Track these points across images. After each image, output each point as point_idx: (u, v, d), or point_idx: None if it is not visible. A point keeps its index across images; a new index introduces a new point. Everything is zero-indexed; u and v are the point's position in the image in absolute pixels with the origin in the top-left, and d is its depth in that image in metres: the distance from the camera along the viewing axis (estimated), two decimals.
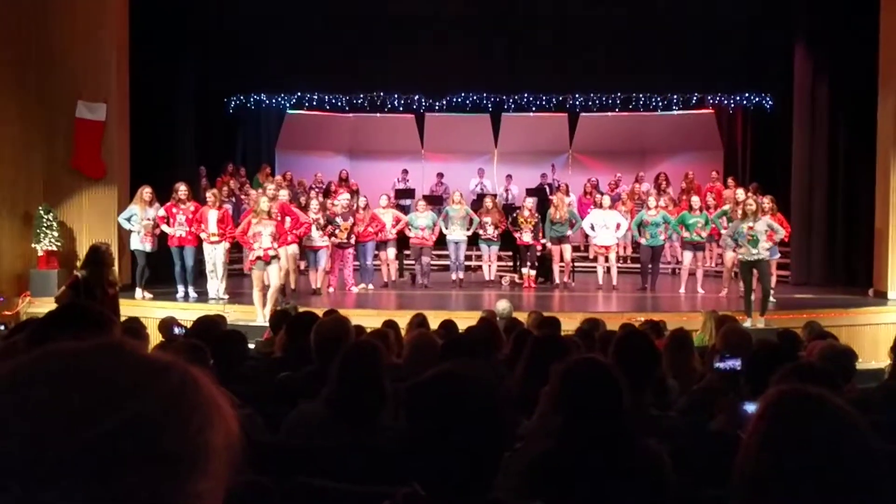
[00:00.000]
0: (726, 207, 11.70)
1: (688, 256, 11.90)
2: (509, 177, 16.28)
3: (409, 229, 12.14)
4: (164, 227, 10.52)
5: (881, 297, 10.98)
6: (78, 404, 0.65)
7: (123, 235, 10.90)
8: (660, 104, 16.26)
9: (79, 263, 9.97)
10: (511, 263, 13.64)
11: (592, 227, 12.25)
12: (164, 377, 0.70)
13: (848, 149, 12.35)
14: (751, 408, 2.59)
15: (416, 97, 16.01)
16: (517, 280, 12.71)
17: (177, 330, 5.87)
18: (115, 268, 10.84)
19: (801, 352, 5.15)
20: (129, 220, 10.48)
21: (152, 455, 0.65)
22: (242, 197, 13.62)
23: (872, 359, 8.82)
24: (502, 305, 7.41)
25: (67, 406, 0.65)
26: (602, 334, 5.63)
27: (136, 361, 0.70)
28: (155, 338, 6.21)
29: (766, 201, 10.79)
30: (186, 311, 9.01)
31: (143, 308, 9.71)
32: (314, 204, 11.57)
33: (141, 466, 0.64)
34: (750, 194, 10.88)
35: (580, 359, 2.38)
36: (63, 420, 0.64)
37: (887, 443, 2.77)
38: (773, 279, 10.77)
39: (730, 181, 13.83)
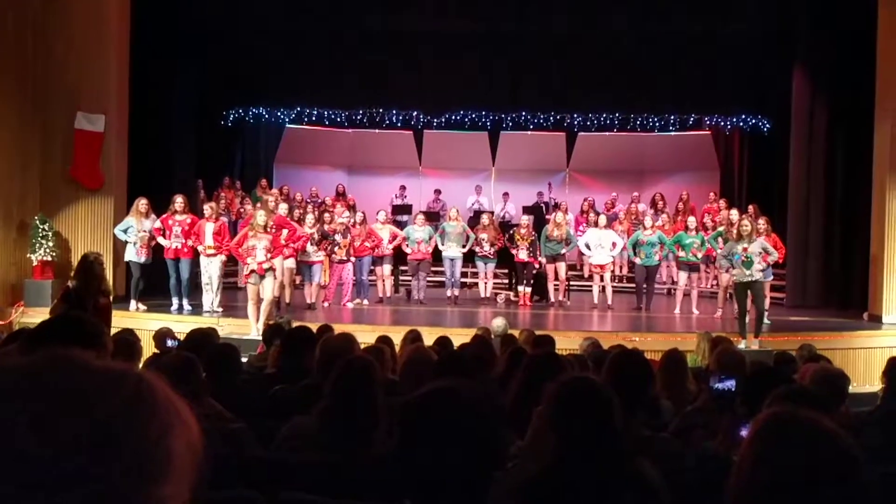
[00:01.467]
0: (721, 229, 11.72)
1: (683, 277, 11.91)
2: (506, 194, 16.31)
3: (407, 244, 12.15)
4: (160, 240, 10.52)
5: (876, 321, 10.99)
6: (35, 417, 0.65)
7: (119, 246, 10.89)
8: (657, 125, 16.34)
9: (72, 273, 9.97)
10: (507, 281, 13.64)
11: (588, 246, 12.28)
12: (119, 385, 0.70)
13: (845, 172, 12.41)
14: (743, 430, 2.60)
15: (415, 113, 16.07)
16: (513, 297, 12.71)
17: (170, 342, 5.85)
18: (109, 278, 10.88)
19: (795, 374, 5.14)
20: (125, 231, 10.47)
21: (114, 462, 0.66)
22: (242, 211, 13.61)
23: (866, 382, 8.82)
24: (498, 323, 7.41)
25: (24, 419, 0.65)
26: (595, 353, 5.62)
27: (89, 371, 0.71)
28: (148, 349, 6.20)
29: (762, 223, 10.82)
30: (180, 324, 8.98)
31: (136, 320, 9.68)
32: (309, 218, 11.58)
33: (104, 474, 0.65)
34: (746, 216, 10.90)
35: (574, 378, 2.38)
36: (21, 433, 0.65)
37: (879, 467, 2.77)
38: (767, 301, 10.78)
39: (722, 202, 13.88)
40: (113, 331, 5.71)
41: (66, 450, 0.65)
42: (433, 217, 14.31)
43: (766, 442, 1.40)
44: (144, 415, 0.70)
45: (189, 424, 0.73)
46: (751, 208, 12.53)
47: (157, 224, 10.52)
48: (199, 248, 10.48)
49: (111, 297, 7.59)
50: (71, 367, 0.71)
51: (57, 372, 0.70)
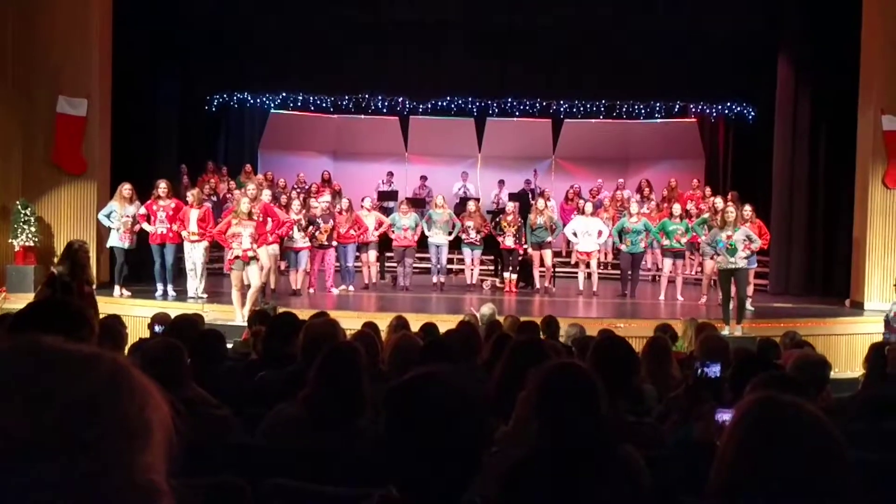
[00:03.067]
0: (706, 216, 11.78)
1: (668, 264, 11.97)
2: (501, 182, 16.22)
3: (393, 231, 12.14)
4: (145, 225, 10.44)
5: (858, 308, 11.10)
6: (16, 399, 0.69)
7: (102, 232, 10.82)
8: (643, 112, 16.36)
9: (56, 260, 9.89)
10: (493, 267, 13.65)
11: (575, 234, 12.31)
12: (96, 366, 0.75)
13: (828, 160, 12.48)
14: (725, 415, 2.62)
15: (401, 99, 16.00)
16: (498, 284, 12.73)
17: (157, 328, 5.83)
18: (93, 264, 10.81)
19: (778, 360, 5.19)
20: (108, 216, 10.39)
21: (106, 432, 0.71)
22: (228, 196, 13.54)
23: (848, 369, 8.92)
24: (485, 310, 7.41)
25: (13, 399, 0.69)
26: (579, 339, 5.65)
27: (64, 354, 0.75)
28: (134, 336, 6.16)
29: (748, 209, 10.87)
30: (165, 310, 8.91)
31: (121, 306, 9.63)
32: (295, 205, 11.53)
33: (96, 443, 0.70)
34: (729, 203, 10.95)
35: (558, 363, 2.38)
36: (15, 410, 0.68)
37: (860, 452, 2.80)
38: (751, 288, 10.85)
39: (707, 190, 13.95)
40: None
41: (55, 424, 0.69)
42: (419, 204, 14.28)
43: (750, 427, 1.41)
44: (124, 391, 0.74)
45: (161, 402, 0.78)
46: (731, 195, 12.58)
47: (142, 210, 10.45)
48: (184, 234, 10.43)
49: (94, 286, 7.54)
50: (47, 351, 0.74)
51: (35, 356, 0.73)
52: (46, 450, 0.67)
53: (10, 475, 0.66)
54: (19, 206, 10.76)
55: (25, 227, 10.72)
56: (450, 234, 12.28)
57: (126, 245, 10.41)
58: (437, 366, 1.80)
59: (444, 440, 1.52)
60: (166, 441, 0.77)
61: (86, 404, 0.71)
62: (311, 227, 11.37)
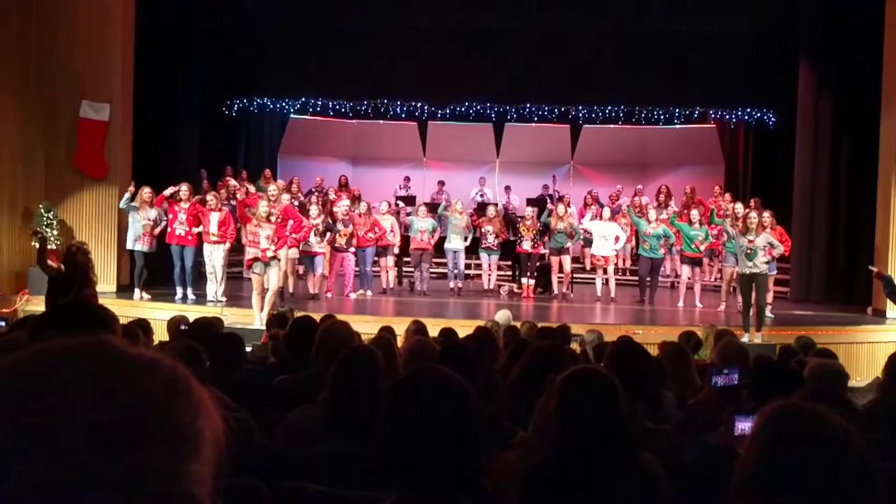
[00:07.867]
0: (726, 222, 11.66)
1: (686, 270, 11.89)
2: (508, 188, 16.24)
3: (409, 232, 12.19)
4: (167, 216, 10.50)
5: (879, 316, 10.97)
6: (80, 392, 0.70)
7: (123, 236, 10.91)
8: (662, 118, 16.28)
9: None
10: (510, 273, 13.64)
11: (592, 238, 12.28)
12: (155, 370, 0.76)
13: (850, 166, 12.37)
14: (744, 423, 2.60)
15: (420, 105, 16.03)
16: (516, 290, 12.71)
17: (183, 326, 5.90)
18: (113, 267, 10.88)
19: (804, 370, 5.13)
20: (128, 202, 10.45)
21: (154, 438, 0.71)
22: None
23: (869, 377, 8.80)
24: (502, 315, 7.39)
25: (72, 394, 0.70)
26: (597, 346, 5.62)
27: (128, 356, 0.76)
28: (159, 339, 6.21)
29: (767, 216, 10.78)
30: (184, 313, 8.97)
31: (141, 309, 9.70)
32: (314, 209, 11.58)
33: (145, 444, 0.70)
34: (752, 209, 10.85)
35: (579, 369, 2.38)
36: (74, 405, 0.69)
37: (882, 462, 2.77)
38: (770, 295, 10.76)
39: (727, 196, 13.85)
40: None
41: (109, 422, 0.69)
42: (436, 209, 14.30)
43: (773, 434, 1.40)
44: (179, 398, 0.75)
45: (213, 413, 0.79)
46: (753, 202, 12.48)
47: (165, 205, 10.54)
48: (203, 235, 10.50)
49: (96, 285, 7.52)
50: (112, 351, 0.75)
51: (99, 355, 0.75)
52: (97, 446, 0.68)
53: (59, 466, 0.67)
54: (42, 210, 10.88)
55: (48, 230, 10.83)
56: (466, 239, 12.32)
57: (146, 249, 10.50)
58: (430, 364, 1.81)
59: (435, 438, 1.53)
60: (216, 454, 0.77)
61: (141, 405, 0.71)
62: (329, 233, 11.41)
